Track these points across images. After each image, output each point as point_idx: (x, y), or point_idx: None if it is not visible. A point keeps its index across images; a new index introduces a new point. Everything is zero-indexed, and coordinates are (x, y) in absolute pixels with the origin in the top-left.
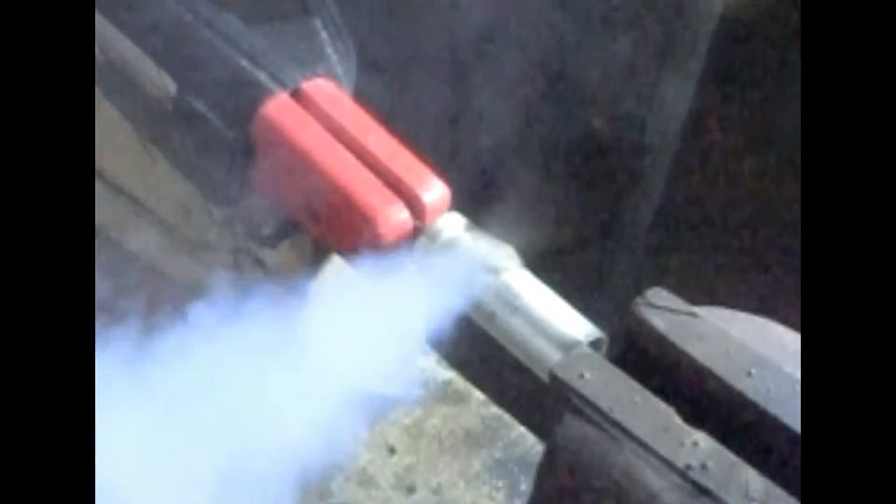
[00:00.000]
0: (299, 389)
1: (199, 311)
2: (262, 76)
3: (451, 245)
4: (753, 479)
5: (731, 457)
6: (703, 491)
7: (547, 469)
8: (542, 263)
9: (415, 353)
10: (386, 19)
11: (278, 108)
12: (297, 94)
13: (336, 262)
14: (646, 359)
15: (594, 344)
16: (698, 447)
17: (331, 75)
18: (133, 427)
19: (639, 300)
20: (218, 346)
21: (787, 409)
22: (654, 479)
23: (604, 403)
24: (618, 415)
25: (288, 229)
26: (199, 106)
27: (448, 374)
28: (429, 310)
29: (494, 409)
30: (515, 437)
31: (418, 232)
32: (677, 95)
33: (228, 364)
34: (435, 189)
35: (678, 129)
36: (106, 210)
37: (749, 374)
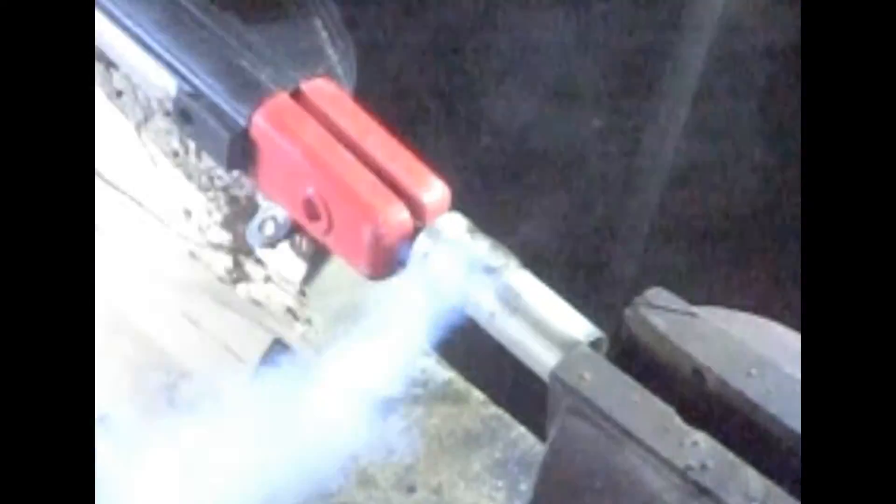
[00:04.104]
0: (299, 390)
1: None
2: (262, 76)
3: (451, 245)
4: (753, 479)
5: (731, 457)
6: (703, 491)
7: (547, 469)
8: (543, 263)
9: (415, 353)
10: (386, 18)
11: (278, 108)
12: (297, 94)
13: (336, 262)
14: (646, 359)
15: (594, 344)
16: (698, 447)
17: (331, 75)
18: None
19: (639, 300)
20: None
21: (787, 409)
22: (654, 479)
23: (604, 403)
24: (618, 415)
25: (288, 229)
26: (199, 106)
27: (448, 374)
28: (429, 310)
29: (494, 409)
30: (515, 437)
31: (418, 232)
32: (677, 95)
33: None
34: (435, 189)
35: (678, 128)
36: (106, 210)
37: (749, 374)
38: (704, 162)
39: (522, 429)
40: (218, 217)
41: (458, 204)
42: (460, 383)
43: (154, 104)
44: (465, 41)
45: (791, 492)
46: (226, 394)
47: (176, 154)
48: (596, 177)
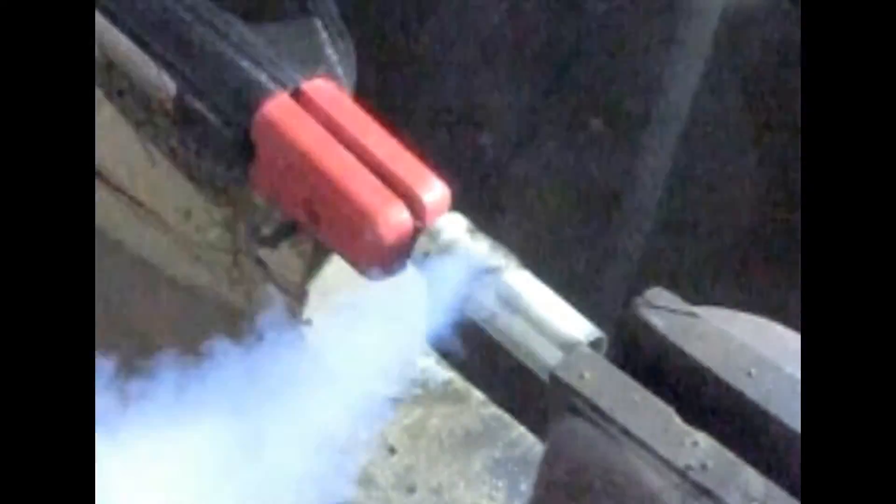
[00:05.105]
0: (300, 391)
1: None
2: (262, 76)
3: (451, 245)
4: (753, 479)
5: (731, 457)
6: (703, 491)
7: (547, 469)
8: (543, 263)
9: (415, 353)
10: (387, 19)
11: (278, 108)
12: (297, 94)
13: (336, 262)
14: (646, 359)
15: (594, 344)
16: (698, 447)
17: (331, 75)
18: (133, 435)
19: (639, 300)
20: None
21: (787, 409)
22: (654, 479)
23: (604, 403)
24: (618, 415)
25: (288, 229)
26: (199, 106)
27: (448, 374)
28: (429, 310)
29: (494, 409)
30: (515, 437)
31: (418, 232)
32: (677, 95)
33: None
34: (435, 189)
35: (678, 128)
36: (106, 210)
37: (749, 374)
38: (704, 162)
39: (522, 429)
40: (218, 217)
41: (458, 204)
42: (460, 383)
43: (154, 104)
44: (463, 43)
45: (791, 492)
46: (225, 394)
47: (176, 154)
48: (595, 177)
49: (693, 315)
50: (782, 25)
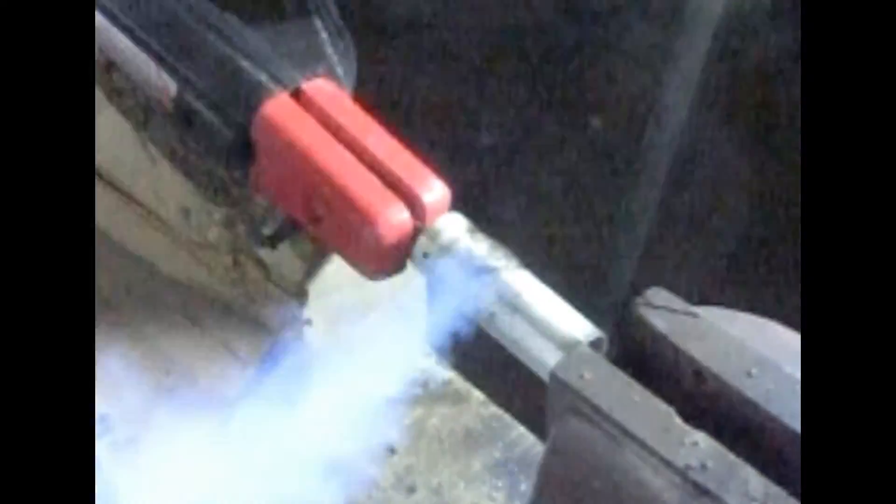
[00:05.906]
0: (299, 391)
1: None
2: (262, 76)
3: (451, 245)
4: (753, 479)
5: (731, 457)
6: (703, 491)
7: (547, 469)
8: (543, 263)
9: (415, 353)
10: (388, 18)
11: (278, 108)
12: (297, 94)
13: (336, 262)
14: (646, 359)
15: (594, 344)
16: (698, 447)
17: (331, 75)
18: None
19: (639, 300)
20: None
21: (787, 409)
22: (654, 479)
23: (604, 403)
24: (618, 415)
25: (288, 229)
26: (199, 106)
27: (448, 374)
28: (429, 310)
29: (494, 409)
30: (515, 437)
31: (418, 232)
32: (677, 95)
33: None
34: (435, 189)
35: (678, 129)
36: (106, 210)
37: (749, 374)
38: (703, 162)
39: (522, 429)
40: (218, 217)
41: (458, 204)
42: (460, 383)
43: (154, 104)
44: (464, 43)
45: (791, 492)
46: (225, 394)
47: (176, 154)
48: (597, 176)
49: (693, 315)
50: (780, 30)
